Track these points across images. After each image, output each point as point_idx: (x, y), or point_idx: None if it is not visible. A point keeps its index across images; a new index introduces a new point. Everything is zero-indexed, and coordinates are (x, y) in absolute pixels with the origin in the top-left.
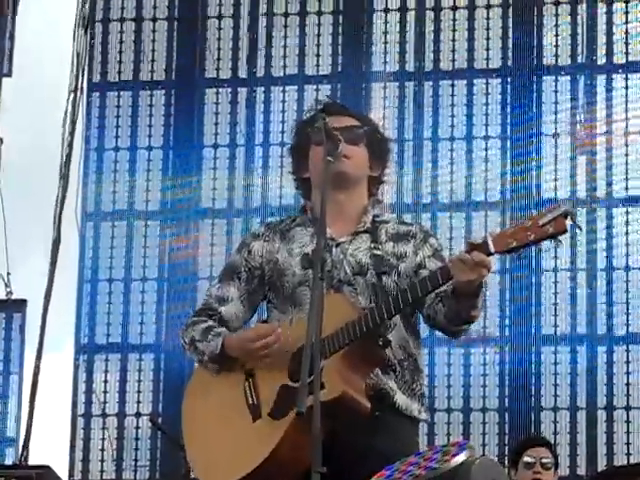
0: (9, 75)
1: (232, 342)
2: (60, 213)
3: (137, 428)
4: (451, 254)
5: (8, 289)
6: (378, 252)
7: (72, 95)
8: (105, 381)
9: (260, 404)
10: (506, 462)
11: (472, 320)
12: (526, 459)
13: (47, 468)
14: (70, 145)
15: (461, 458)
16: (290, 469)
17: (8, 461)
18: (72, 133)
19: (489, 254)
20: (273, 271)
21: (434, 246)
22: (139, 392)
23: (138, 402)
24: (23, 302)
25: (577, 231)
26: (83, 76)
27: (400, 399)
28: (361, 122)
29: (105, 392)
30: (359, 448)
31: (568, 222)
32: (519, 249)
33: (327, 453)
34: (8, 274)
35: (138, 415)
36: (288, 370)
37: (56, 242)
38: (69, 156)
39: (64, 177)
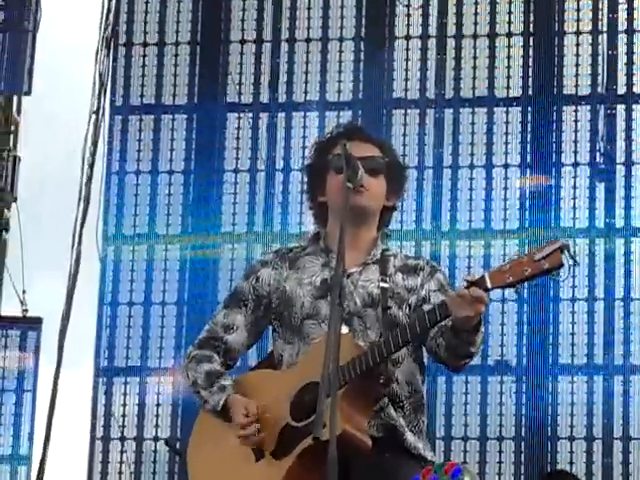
0: (28, 93)
1: (234, 404)
2: (80, 234)
3: (155, 452)
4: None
5: (24, 307)
6: (386, 285)
7: (94, 117)
8: (124, 404)
9: (263, 444)
10: None
11: (471, 356)
12: None
13: None
14: (91, 167)
15: None
16: None
17: None
18: (93, 155)
19: (486, 290)
20: (280, 300)
21: (440, 280)
22: (157, 416)
23: (156, 426)
24: (38, 320)
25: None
26: (105, 98)
27: (409, 437)
28: (382, 151)
29: (124, 415)
30: None
31: (564, 256)
32: (516, 284)
33: None
34: (23, 292)
35: (156, 439)
36: (290, 409)
37: (76, 263)
38: (90, 178)
39: (85, 199)
